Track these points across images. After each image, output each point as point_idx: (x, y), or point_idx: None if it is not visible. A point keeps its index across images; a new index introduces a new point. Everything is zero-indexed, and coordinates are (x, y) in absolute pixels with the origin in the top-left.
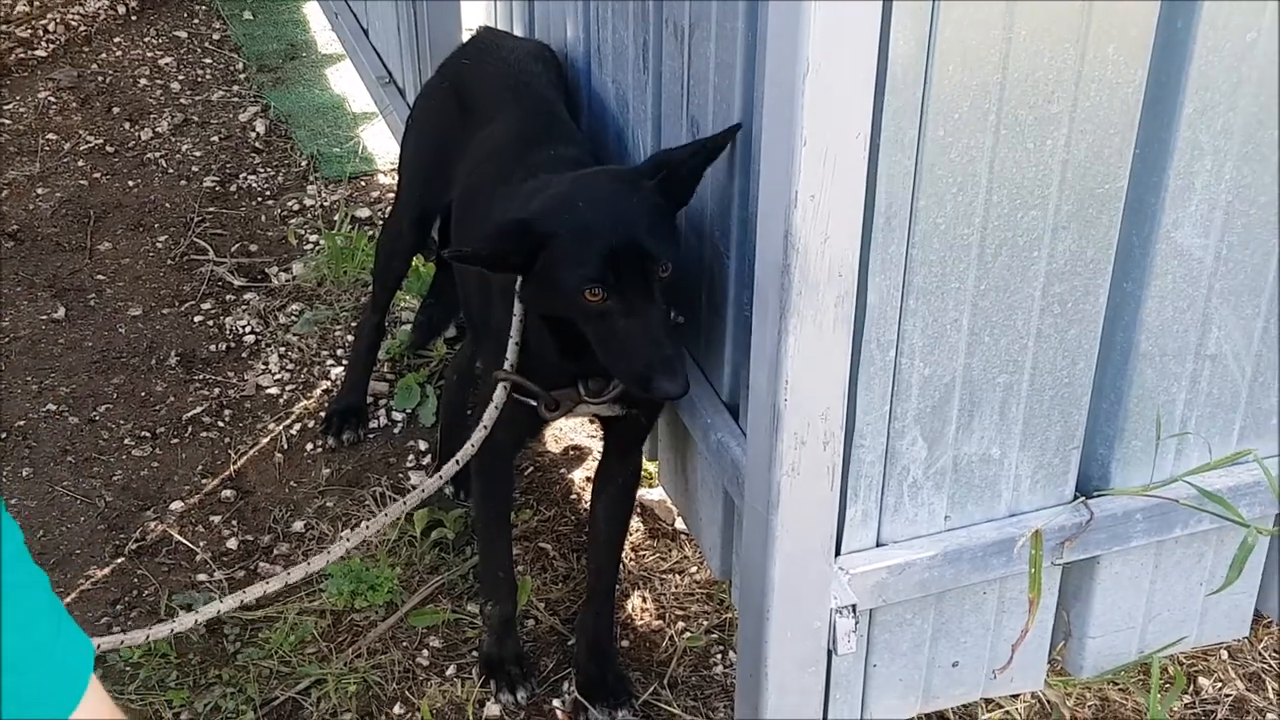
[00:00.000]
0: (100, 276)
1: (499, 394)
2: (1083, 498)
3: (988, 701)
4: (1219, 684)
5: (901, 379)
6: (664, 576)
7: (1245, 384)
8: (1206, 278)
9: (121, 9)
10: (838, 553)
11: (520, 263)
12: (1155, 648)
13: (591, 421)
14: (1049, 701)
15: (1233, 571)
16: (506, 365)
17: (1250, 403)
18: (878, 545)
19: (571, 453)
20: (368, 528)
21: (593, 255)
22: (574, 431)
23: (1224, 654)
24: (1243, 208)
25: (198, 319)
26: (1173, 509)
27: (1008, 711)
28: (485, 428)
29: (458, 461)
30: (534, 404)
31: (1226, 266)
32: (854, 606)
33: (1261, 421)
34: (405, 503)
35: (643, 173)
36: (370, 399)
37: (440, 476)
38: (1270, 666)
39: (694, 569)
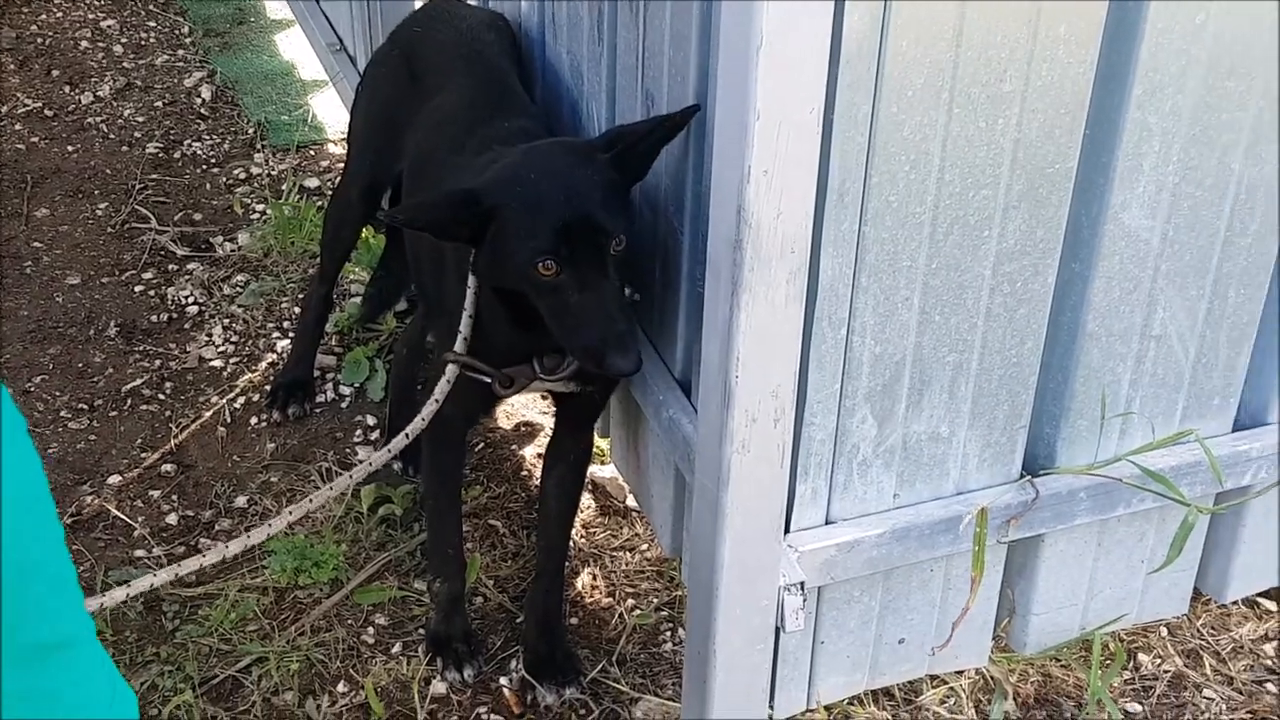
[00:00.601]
0: (37, 244)
1: (450, 372)
2: (1029, 476)
3: (933, 678)
4: (1158, 660)
5: (853, 356)
6: (615, 554)
7: (1189, 365)
8: (1153, 259)
9: None
10: (787, 530)
11: (469, 234)
12: (1097, 624)
13: (544, 398)
14: (993, 678)
15: (1173, 550)
16: (459, 341)
17: (1193, 383)
18: (827, 523)
19: (523, 429)
20: (311, 501)
21: (544, 227)
22: (525, 408)
23: (1164, 631)
24: (1189, 190)
25: (138, 289)
26: (1116, 488)
27: (952, 688)
28: (436, 401)
29: (407, 435)
30: (487, 381)
31: (1172, 248)
32: (802, 584)
33: (1204, 402)
34: (351, 476)
35: (597, 146)
36: (317, 372)
37: (389, 450)
38: (1208, 643)
39: (645, 546)
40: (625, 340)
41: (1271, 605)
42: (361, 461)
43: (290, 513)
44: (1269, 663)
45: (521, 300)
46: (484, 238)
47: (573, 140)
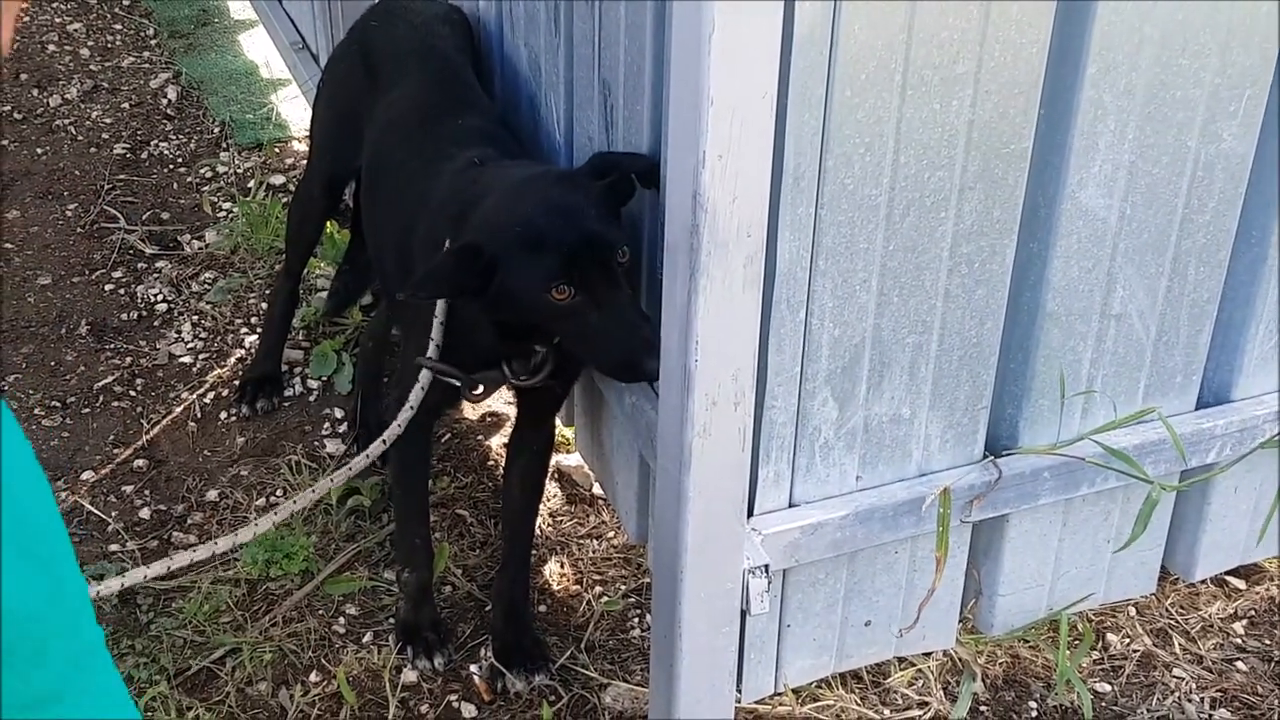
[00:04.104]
0: (8, 245)
1: (424, 377)
2: (991, 457)
3: (900, 660)
4: (1127, 640)
5: (812, 339)
6: (581, 541)
7: (1150, 343)
8: (1111, 237)
9: None
10: (750, 513)
11: (478, 286)
12: (1064, 605)
13: (508, 388)
14: (960, 659)
15: (1137, 527)
16: (432, 347)
17: (1154, 361)
18: (790, 506)
19: (489, 419)
20: (295, 503)
21: (551, 256)
22: (491, 399)
23: (1132, 610)
24: (1146, 167)
25: (108, 287)
26: (1079, 467)
27: (920, 670)
28: (411, 408)
29: (384, 442)
30: (457, 384)
31: (1130, 226)
32: (767, 566)
33: (1165, 380)
34: (332, 480)
35: (584, 172)
36: (285, 367)
37: (367, 455)
38: (1176, 622)
39: (611, 534)
40: (653, 344)
41: (1240, 583)
42: (330, 454)
43: (275, 513)
44: (1238, 641)
45: (519, 323)
46: (491, 284)
47: (560, 169)
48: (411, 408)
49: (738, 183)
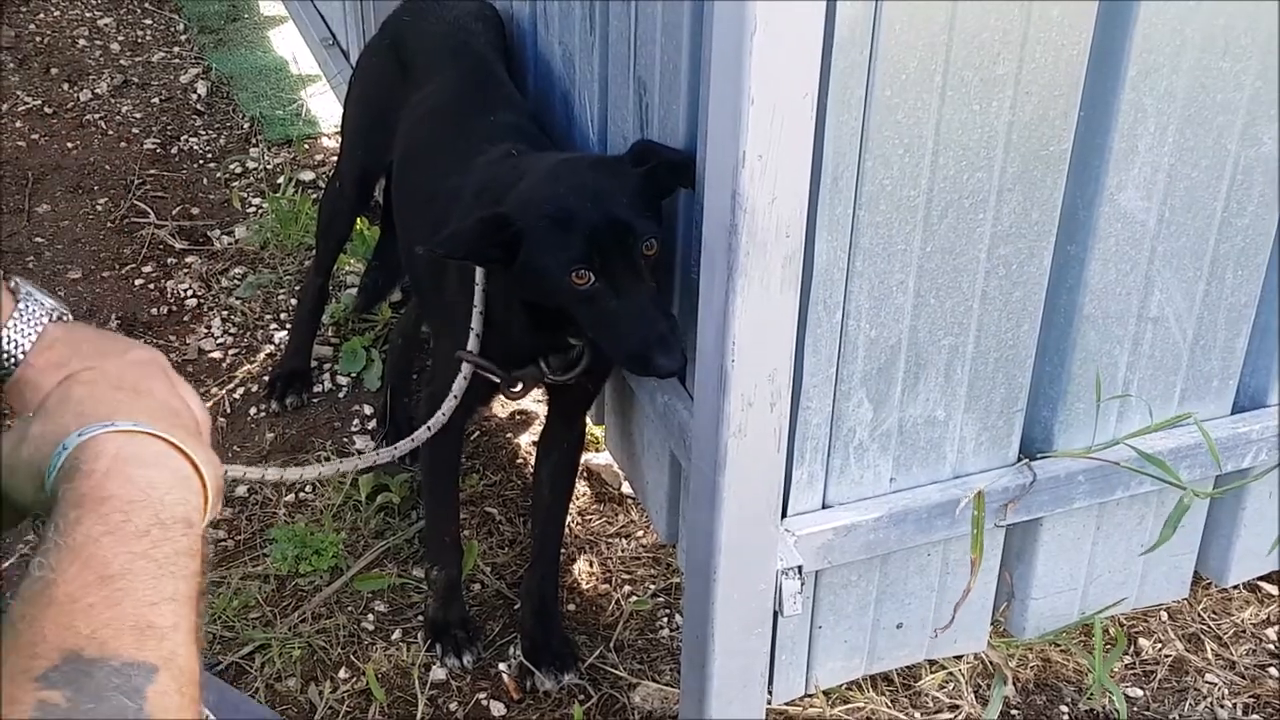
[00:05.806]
0: (39, 239)
1: (465, 369)
2: (1026, 459)
3: (931, 663)
4: (1159, 645)
5: (848, 341)
6: (610, 540)
7: (1186, 347)
8: (1149, 240)
9: None
10: (784, 514)
11: (502, 256)
12: (1096, 609)
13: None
14: (991, 663)
15: (1167, 529)
16: (472, 338)
17: (1191, 366)
18: (824, 507)
19: (518, 417)
20: (340, 465)
21: (575, 237)
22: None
23: (1164, 615)
24: (1185, 171)
25: (138, 282)
26: (1114, 471)
27: (951, 673)
28: (455, 397)
29: (429, 428)
30: (495, 380)
31: (1169, 229)
32: (800, 568)
33: (1202, 384)
34: (378, 456)
35: (624, 159)
36: (314, 363)
37: (395, 449)
38: (1209, 627)
39: (640, 533)
40: (668, 340)
41: (1273, 589)
42: (359, 450)
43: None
44: (1271, 647)
45: (549, 309)
46: (516, 258)
47: (598, 155)
48: (455, 397)
49: (777, 183)
